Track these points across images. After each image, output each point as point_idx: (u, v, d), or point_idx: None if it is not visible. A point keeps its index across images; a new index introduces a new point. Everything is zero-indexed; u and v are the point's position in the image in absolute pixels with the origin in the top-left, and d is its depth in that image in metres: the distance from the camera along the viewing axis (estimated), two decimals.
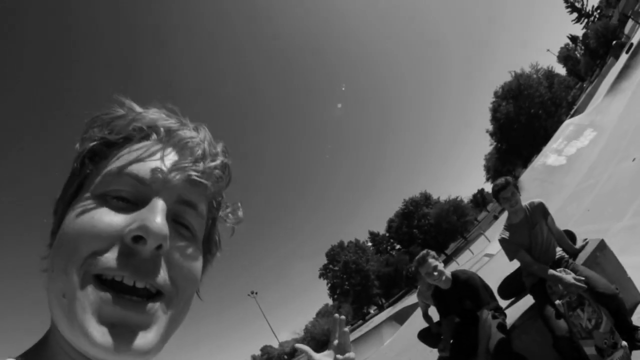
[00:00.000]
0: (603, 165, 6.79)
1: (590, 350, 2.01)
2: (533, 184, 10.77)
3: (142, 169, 0.40)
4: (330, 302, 60.79)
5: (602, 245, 2.61)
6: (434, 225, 50.34)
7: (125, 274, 0.36)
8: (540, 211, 2.55)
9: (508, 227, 2.56)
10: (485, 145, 49.72)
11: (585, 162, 8.37)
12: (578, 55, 45.95)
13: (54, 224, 0.43)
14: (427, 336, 3.61)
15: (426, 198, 57.24)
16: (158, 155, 0.42)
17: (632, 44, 17.84)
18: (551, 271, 2.23)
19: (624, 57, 15.30)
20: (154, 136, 0.44)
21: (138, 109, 0.45)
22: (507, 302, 3.22)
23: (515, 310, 2.81)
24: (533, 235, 2.48)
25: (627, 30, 31.13)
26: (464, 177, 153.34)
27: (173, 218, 0.41)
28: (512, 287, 3.18)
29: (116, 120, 0.44)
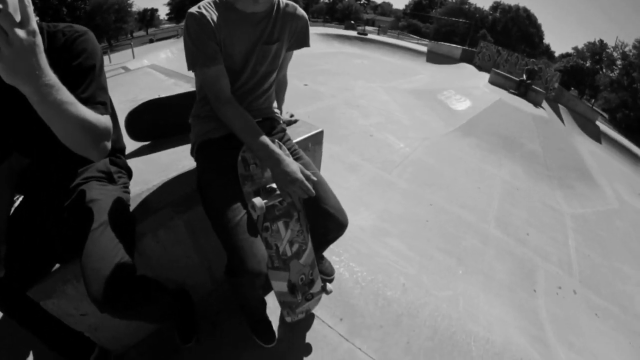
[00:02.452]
0: None
1: (280, 285, 1.40)
2: None
3: None
4: None
5: (319, 138, 1.86)
6: (88, 13, 37.95)
7: None
8: (299, 29, 1.32)
9: (221, 4, 1.17)
10: None
11: None
12: None
13: None
14: None
15: None
16: None
17: None
18: (267, 141, 1.18)
19: None
20: None
21: None
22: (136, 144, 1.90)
23: (140, 164, 1.62)
24: (259, 54, 1.24)
25: None
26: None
27: None
28: (155, 125, 1.91)
29: None
